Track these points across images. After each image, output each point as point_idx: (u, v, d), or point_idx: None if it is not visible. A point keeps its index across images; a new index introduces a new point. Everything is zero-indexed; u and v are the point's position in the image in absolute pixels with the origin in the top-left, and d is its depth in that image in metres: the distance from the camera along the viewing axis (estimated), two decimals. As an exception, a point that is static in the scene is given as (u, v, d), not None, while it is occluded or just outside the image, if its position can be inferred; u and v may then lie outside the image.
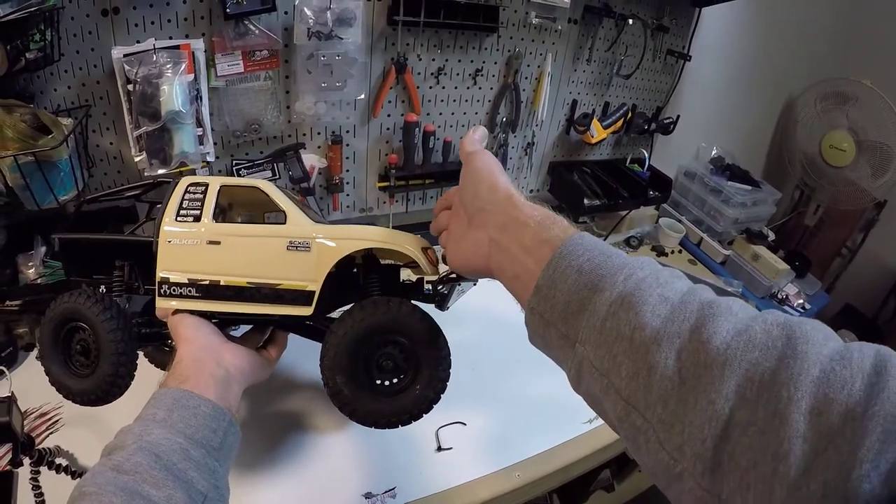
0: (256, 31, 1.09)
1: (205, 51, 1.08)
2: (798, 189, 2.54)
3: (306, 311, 0.72)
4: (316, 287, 0.72)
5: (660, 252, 1.95)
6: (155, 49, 1.02)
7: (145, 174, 1.06)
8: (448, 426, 1.09)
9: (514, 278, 0.55)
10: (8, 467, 0.89)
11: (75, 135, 0.99)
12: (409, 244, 0.76)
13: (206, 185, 0.76)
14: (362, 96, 1.27)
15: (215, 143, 1.17)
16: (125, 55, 1.01)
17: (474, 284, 0.84)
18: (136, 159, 1.06)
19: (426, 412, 0.74)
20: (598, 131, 1.59)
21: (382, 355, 0.72)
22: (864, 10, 2.32)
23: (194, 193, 0.75)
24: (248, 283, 0.72)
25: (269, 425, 1.02)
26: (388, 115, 1.36)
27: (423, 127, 1.37)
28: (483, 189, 0.60)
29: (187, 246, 0.73)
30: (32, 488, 0.84)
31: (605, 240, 1.79)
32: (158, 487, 0.52)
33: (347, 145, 1.35)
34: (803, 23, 2.16)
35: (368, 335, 0.70)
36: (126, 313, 0.75)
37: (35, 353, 1.13)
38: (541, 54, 1.47)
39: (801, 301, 1.94)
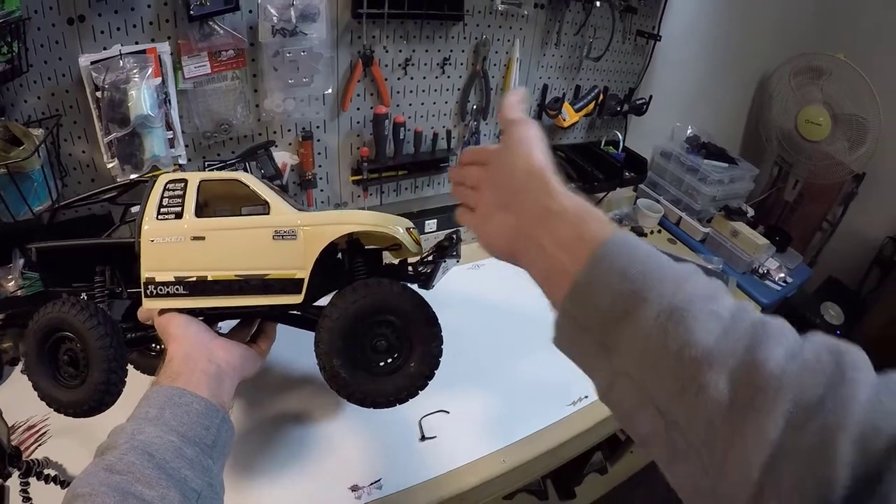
0: (221, 32, 1.09)
1: (171, 53, 1.08)
2: (776, 165, 2.56)
3: (296, 299, 0.73)
4: (305, 274, 0.73)
5: (639, 233, 1.97)
6: (121, 55, 1.02)
7: (118, 180, 1.06)
8: (431, 415, 1.10)
9: (545, 275, 0.51)
10: (-1, 481, 0.90)
11: (47, 145, 0.99)
12: (393, 225, 0.78)
13: (186, 182, 0.75)
14: (330, 91, 1.27)
15: (186, 146, 1.17)
16: (92, 62, 1.01)
17: (457, 262, 0.86)
18: (109, 165, 1.06)
19: (422, 388, 0.76)
20: (569, 115, 1.60)
21: (376, 336, 0.73)
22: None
23: (174, 191, 0.75)
24: (235, 275, 0.72)
25: (254, 423, 1.03)
26: (358, 109, 1.37)
27: (393, 119, 1.38)
28: (519, 169, 0.55)
29: (171, 244, 0.72)
30: (23, 500, 0.84)
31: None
32: (152, 487, 0.51)
33: (318, 141, 1.35)
34: (775, -2, 2.17)
35: (361, 317, 0.71)
36: (113, 319, 0.74)
37: (20, 367, 1.13)
38: (508, 40, 1.47)
39: (782, 275, 1.96)
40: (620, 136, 1.83)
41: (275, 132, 1.29)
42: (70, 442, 0.99)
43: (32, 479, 0.86)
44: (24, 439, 0.99)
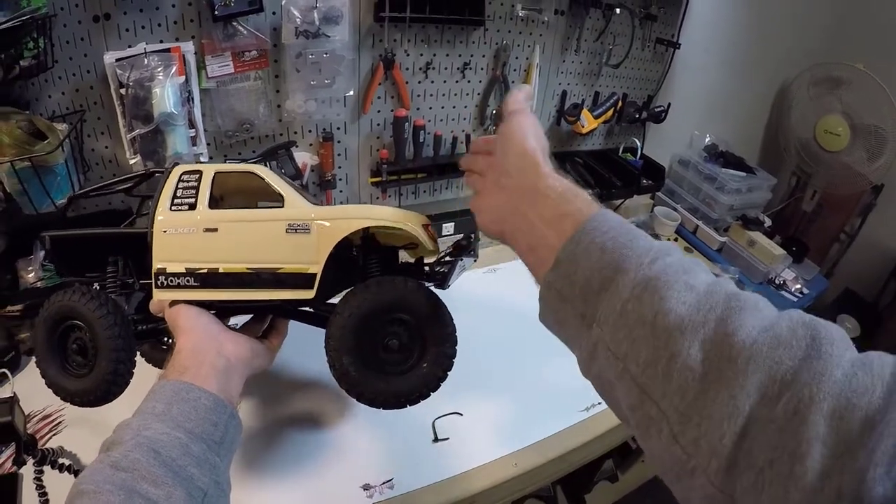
0: (245, 32, 1.10)
1: (195, 53, 1.09)
2: (794, 175, 2.54)
3: (308, 294, 0.71)
4: (317, 269, 0.71)
5: (656, 240, 1.96)
6: (146, 53, 1.04)
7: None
8: (445, 417, 1.10)
9: (530, 249, 0.53)
10: (13, 468, 0.91)
11: (70, 139, 1.01)
12: (409, 221, 0.75)
13: (200, 173, 0.74)
14: (351, 93, 1.28)
15: (208, 144, 1.18)
16: (117, 60, 1.03)
17: (474, 260, 0.84)
18: (131, 161, 1.07)
19: (434, 390, 0.74)
20: (588, 121, 1.60)
21: (388, 334, 0.71)
22: (855, -6, 2.33)
23: (188, 182, 0.74)
24: (247, 269, 0.71)
25: (267, 421, 1.04)
26: (378, 111, 1.38)
27: (412, 121, 1.39)
28: (512, 151, 0.58)
29: (183, 235, 0.71)
30: (36, 488, 0.85)
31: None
32: (157, 485, 0.50)
33: (339, 142, 1.37)
34: (795, 7, 2.16)
35: (374, 314, 0.69)
36: (122, 309, 0.74)
37: (37, 356, 1.15)
38: (528, 46, 1.48)
39: (798, 286, 1.94)
40: (638, 144, 1.83)
41: (296, 132, 1.31)
42: (84, 432, 1.00)
43: (46, 468, 0.87)
44: (39, 428, 1.00)
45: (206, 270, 0.71)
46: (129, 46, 1.04)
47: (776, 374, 0.35)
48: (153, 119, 1.05)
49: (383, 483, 0.98)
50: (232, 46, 1.11)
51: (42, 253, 1.11)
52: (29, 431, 0.87)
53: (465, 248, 0.81)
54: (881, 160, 2.11)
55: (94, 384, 0.70)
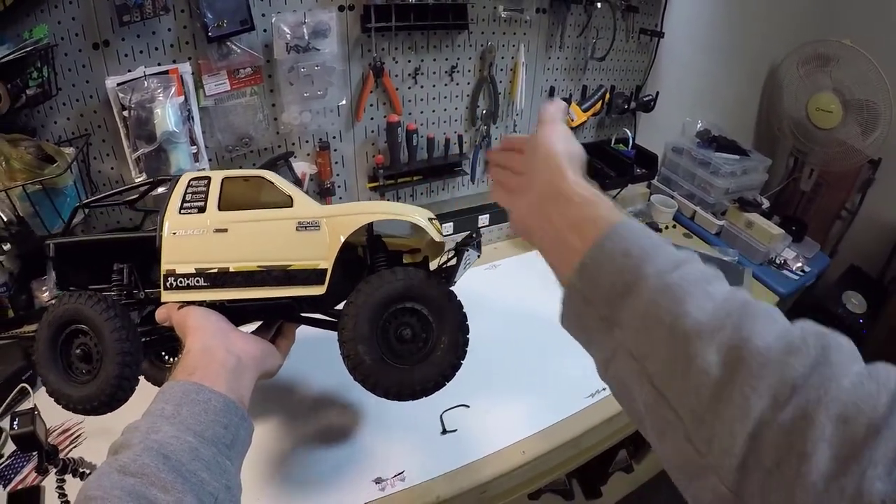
0: (238, 51, 1.15)
1: (192, 73, 1.14)
2: (791, 155, 2.54)
3: (319, 290, 0.72)
4: (328, 265, 0.72)
5: (654, 229, 1.97)
6: (145, 76, 1.08)
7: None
8: (452, 409, 1.13)
9: (555, 251, 0.54)
10: (37, 478, 0.95)
11: (78, 162, 1.06)
12: (415, 213, 0.77)
13: (209, 179, 0.75)
14: (344, 102, 1.32)
15: (210, 160, 1.22)
16: (118, 84, 1.07)
17: (478, 256, 0.86)
18: (137, 180, 1.11)
19: (448, 379, 0.75)
20: (577, 115, 1.63)
21: (401, 324, 0.72)
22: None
23: (197, 188, 0.74)
24: (258, 266, 0.71)
25: (278, 418, 1.07)
26: (372, 118, 1.41)
27: (405, 126, 1.42)
28: (540, 155, 0.60)
29: (193, 236, 0.71)
30: (59, 497, 0.88)
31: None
32: (167, 491, 0.49)
33: (335, 150, 1.40)
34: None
35: (386, 303, 0.71)
36: (129, 314, 0.74)
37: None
38: (513, 45, 1.51)
39: (799, 264, 1.95)
40: (630, 134, 1.85)
41: (293, 143, 1.34)
42: (104, 444, 1.02)
43: (68, 477, 0.90)
44: (59, 441, 1.03)
45: (216, 270, 0.71)
46: (129, 70, 1.09)
47: (788, 379, 0.36)
48: (156, 138, 1.09)
49: (395, 476, 1.00)
50: (227, 65, 1.15)
51: (55, 273, 1.15)
52: (51, 443, 0.91)
53: (471, 240, 0.83)
54: (875, 134, 2.10)
55: (99, 389, 0.69)
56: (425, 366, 0.73)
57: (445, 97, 1.49)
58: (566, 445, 1.13)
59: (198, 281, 0.71)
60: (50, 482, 0.91)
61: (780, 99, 2.36)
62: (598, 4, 1.52)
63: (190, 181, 0.75)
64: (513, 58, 1.53)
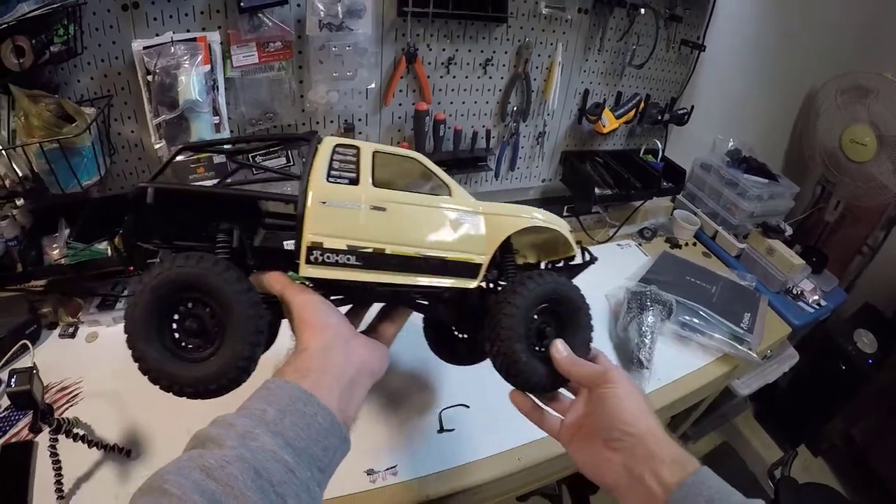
0: (270, 24, 1.12)
1: (220, 43, 1.12)
2: (819, 184, 2.49)
3: (471, 283, 0.70)
4: (483, 261, 0.70)
5: (674, 244, 1.95)
6: (173, 42, 1.06)
7: (164, 160, 1.10)
8: (451, 408, 1.12)
9: (636, 502, 0.60)
10: (29, 435, 0.95)
11: (98, 123, 1.04)
12: (563, 225, 0.79)
13: (358, 149, 0.68)
14: (373, 85, 1.30)
15: (231, 131, 1.20)
16: (145, 47, 1.05)
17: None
18: (156, 146, 1.10)
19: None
20: (609, 121, 1.59)
21: (542, 322, 0.73)
22: (885, 2, 2.26)
23: (345, 156, 0.67)
24: (416, 253, 0.67)
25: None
26: (400, 104, 1.39)
27: (433, 115, 1.40)
28: (626, 417, 0.62)
29: (347, 209, 0.64)
30: (51, 455, 0.88)
31: (617, 230, 1.80)
32: None
33: (360, 133, 1.39)
34: (823, 14, 2.11)
35: (536, 303, 0.71)
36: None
37: (58, 330, 1.19)
38: (551, 44, 1.48)
39: (816, 297, 1.91)
40: (660, 146, 1.82)
41: (318, 122, 1.33)
42: (101, 404, 1.04)
43: (61, 437, 0.90)
44: (56, 399, 1.04)
45: (370, 250, 0.65)
46: (157, 35, 1.07)
47: None
48: (178, 106, 1.07)
49: (387, 469, 1.00)
50: (257, 37, 1.13)
51: (67, 231, 1.15)
52: (47, 401, 0.91)
53: (592, 260, 0.85)
54: (908, 173, 2.06)
55: (220, 372, 0.59)
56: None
57: (477, 90, 1.46)
58: (562, 457, 1.12)
59: (349, 259, 0.64)
60: (44, 439, 0.92)
61: (815, 126, 2.30)
62: (642, 10, 1.47)
63: (336, 147, 0.68)
64: (549, 56, 1.50)
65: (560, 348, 0.70)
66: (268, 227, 0.78)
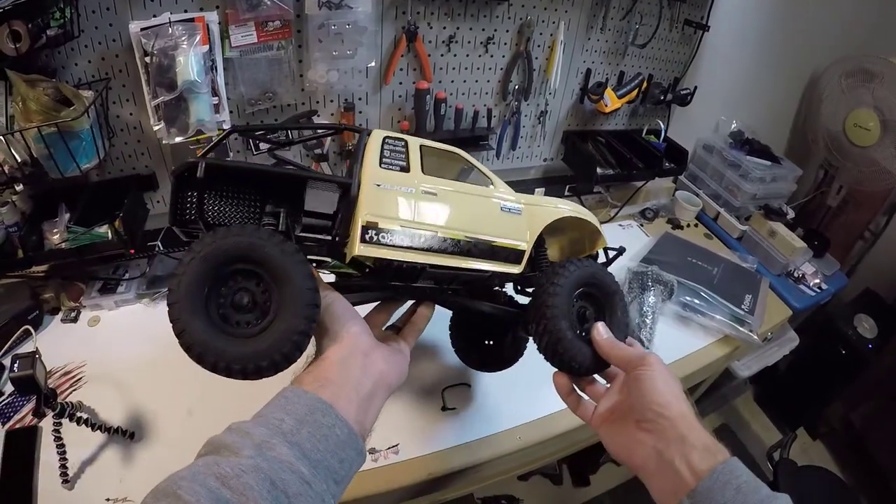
0: (268, 3, 1.11)
1: (219, 23, 1.10)
2: (822, 168, 2.47)
3: (516, 269, 0.75)
4: (527, 248, 0.76)
5: (675, 225, 1.95)
6: (170, 22, 1.05)
7: (163, 142, 1.10)
8: (453, 387, 1.12)
9: (667, 486, 0.60)
10: (33, 420, 0.95)
11: (96, 106, 1.03)
12: (595, 219, 0.86)
13: (406, 142, 0.73)
14: (373, 64, 1.28)
15: (231, 112, 1.19)
16: (142, 29, 1.04)
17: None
18: (155, 128, 1.09)
19: None
20: (612, 100, 1.57)
21: (582, 306, 0.78)
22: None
23: (394, 147, 0.71)
24: (466, 237, 0.71)
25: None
26: (400, 83, 1.38)
27: (434, 94, 1.39)
28: (660, 399, 0.63)
29: (401, 192, 0.68)
30: (55, 439, 0.89)
31: (619, 211, 1.79)
32: None
33: (360, 112, 1.38)
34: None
35: (577, 286, 0.76)
36: None
37: (60, 315, 1.19)
38: (553, 22, 1.46)
39: (817, 281, 1.90)
40: (662, 126, 1.80)
41: (318, 102, 1.32)
42: (104, 388, 1.04)
43: (65, 421, 0.91)
44: (60, 383, 1.04)
45: (423, 231, 0.68)
46: (154, 16, 1.06)
47: None
48: (177, 87, 1.06)
49: (389, 448, 1.00)
50: (255, 16, 1.12)
51: (67, 215, 1.14)
52: (50, 386, 0.91)
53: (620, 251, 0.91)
54: (911, 158, 2.04)
55: (272, 347, 0.56)
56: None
57: (478, 68, 1.45)
58: (561, 437, 1.13)
59: (403, 240, 0.67)
60: (47, 424, 0.92)
61: (819, 109, 2.28)
62: (645, -11, 1.45)
63: (385, 139, 0.71)
64: (551, 35, 1.48)
65: (601, 330, 0.73)
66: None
